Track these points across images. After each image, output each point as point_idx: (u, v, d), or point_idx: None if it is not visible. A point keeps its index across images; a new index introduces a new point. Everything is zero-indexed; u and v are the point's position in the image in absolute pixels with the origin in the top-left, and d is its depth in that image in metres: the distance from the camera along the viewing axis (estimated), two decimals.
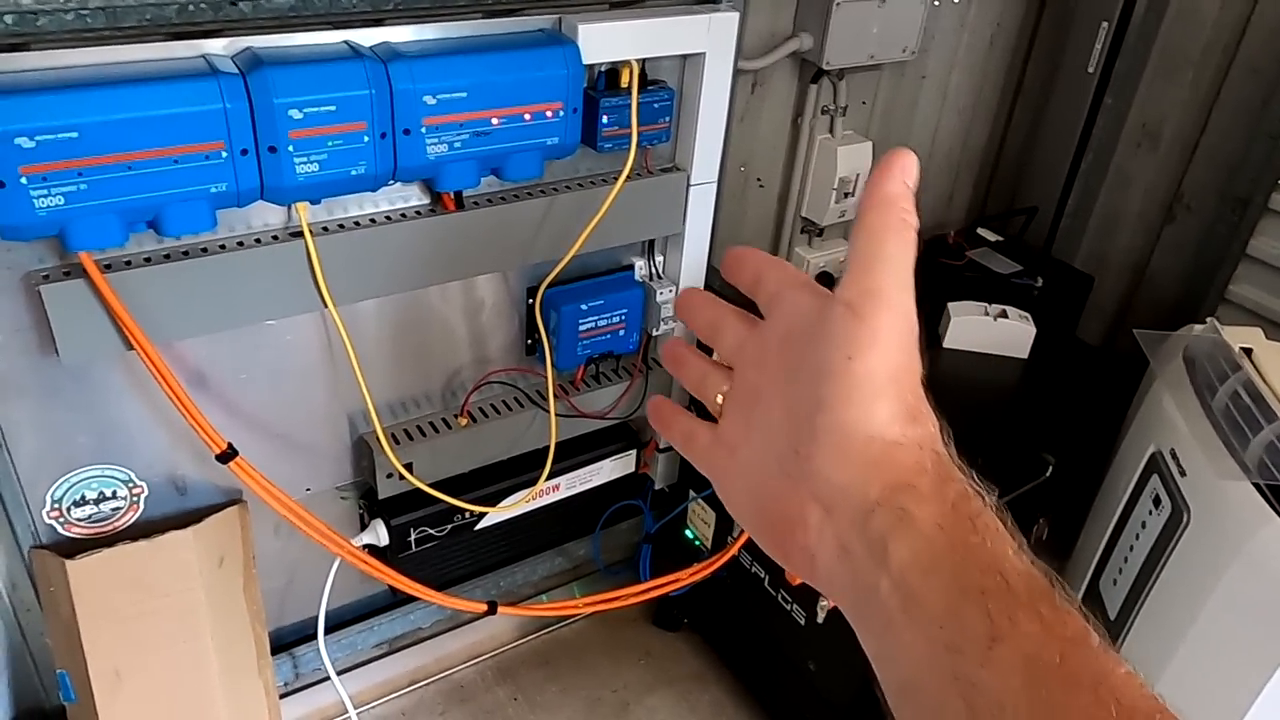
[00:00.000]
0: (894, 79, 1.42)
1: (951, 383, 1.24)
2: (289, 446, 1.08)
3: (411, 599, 1.33)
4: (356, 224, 0.97)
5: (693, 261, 1.21)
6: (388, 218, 0.98)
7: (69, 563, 0.93)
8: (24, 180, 0.73)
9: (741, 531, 1.16)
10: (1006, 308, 1.29)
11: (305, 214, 0.91)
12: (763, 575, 1.21)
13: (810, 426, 0.32)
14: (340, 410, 1.10)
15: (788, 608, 1.18)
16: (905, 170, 0.34)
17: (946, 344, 1.30)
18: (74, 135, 0.74)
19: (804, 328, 0.34)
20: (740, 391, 0.36)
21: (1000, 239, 1.50)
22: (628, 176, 1.05)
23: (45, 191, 0.75)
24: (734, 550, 1.20)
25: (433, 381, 1.17)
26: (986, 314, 1.27)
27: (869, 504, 0.31)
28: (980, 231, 1.51)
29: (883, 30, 1.27)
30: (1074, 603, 0.28)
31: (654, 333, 1.22)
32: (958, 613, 0.28)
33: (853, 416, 0.32)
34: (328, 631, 1.17)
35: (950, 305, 1.28)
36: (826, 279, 1.48)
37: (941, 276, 1.37)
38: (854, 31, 1.24)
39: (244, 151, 0.82)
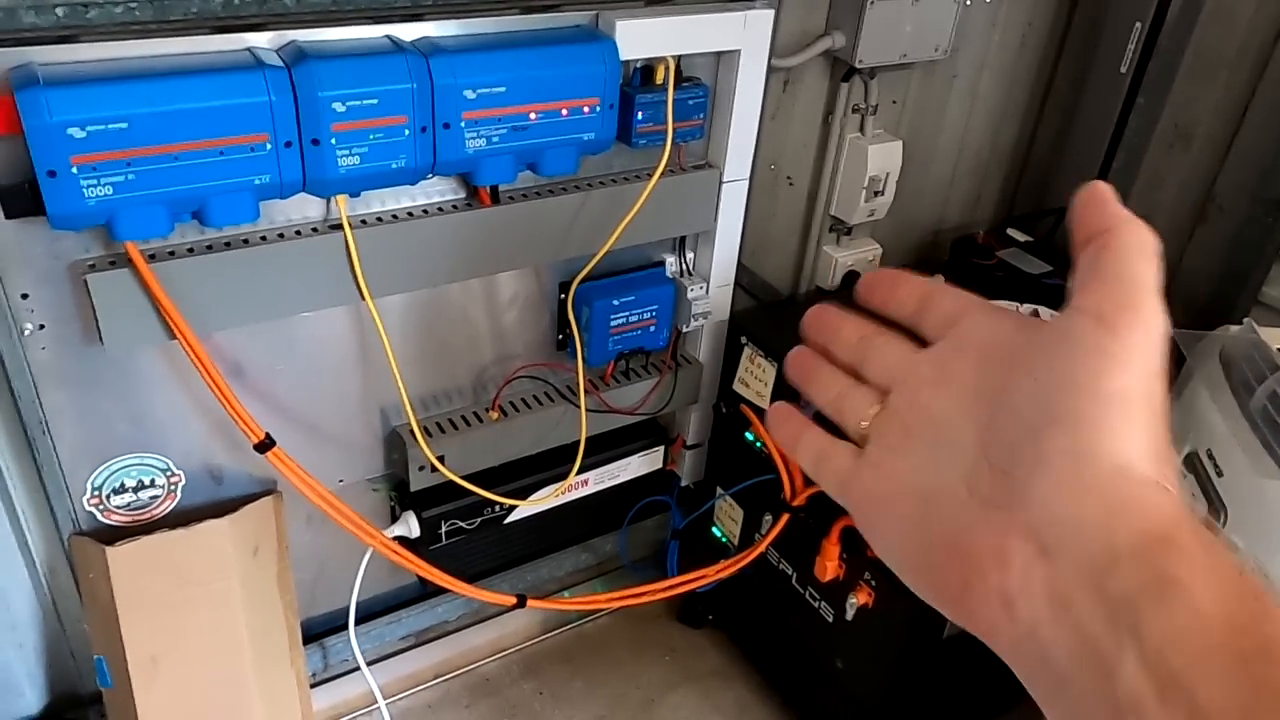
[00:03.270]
0: (925, 78, 1.41)
1: None
2: (322, 438, 1.09)
3: (438, 592, 1.34)
4: (394, 217, 0.98)
5: (723, 259, 1.22)
6: (424, 211, 0.99)
7: (109, 549, 0.94)
8: (74, 170, 0.74)
9: (770, 528, 1.16)
10: (1038, 307, 1.28)
11: (345, 207, 0.92)
12: (790, 572, 1.21)
13: (1033, 447, 0.27)
14: (373, 403, 1.11)
15: (815, 605, 1.18)
16: (1113, 194, 0.30)
17: None
18: (123, 126, 0.75)
19: (1015, 343, 0.30)
20: (904, 412, 0.32)
21: (1030, 239, 1.49)
22: (662, 173, 1.05)
23: (95, 181, 0.76)
24: (762, 548, 1.21)
25: (463, 376, 1.17)
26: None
27: (1113, 553, 0.25)
28: (1010, 232, 1.51)
29: (915, 29, 1.27)
30: None
31: (684, 329, 1.23)
32: (1254, 716, 0.22)
33: (1098, 441, 0.26)
34: (357, 623, 1.18)
35: None
36: (855, 277, 1.47)
37: (972, 276, 1.37)
38: (887, 30, 1.24)
39: (287, 144, 0.83)
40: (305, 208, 0.93)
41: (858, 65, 1.24)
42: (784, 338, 1.17)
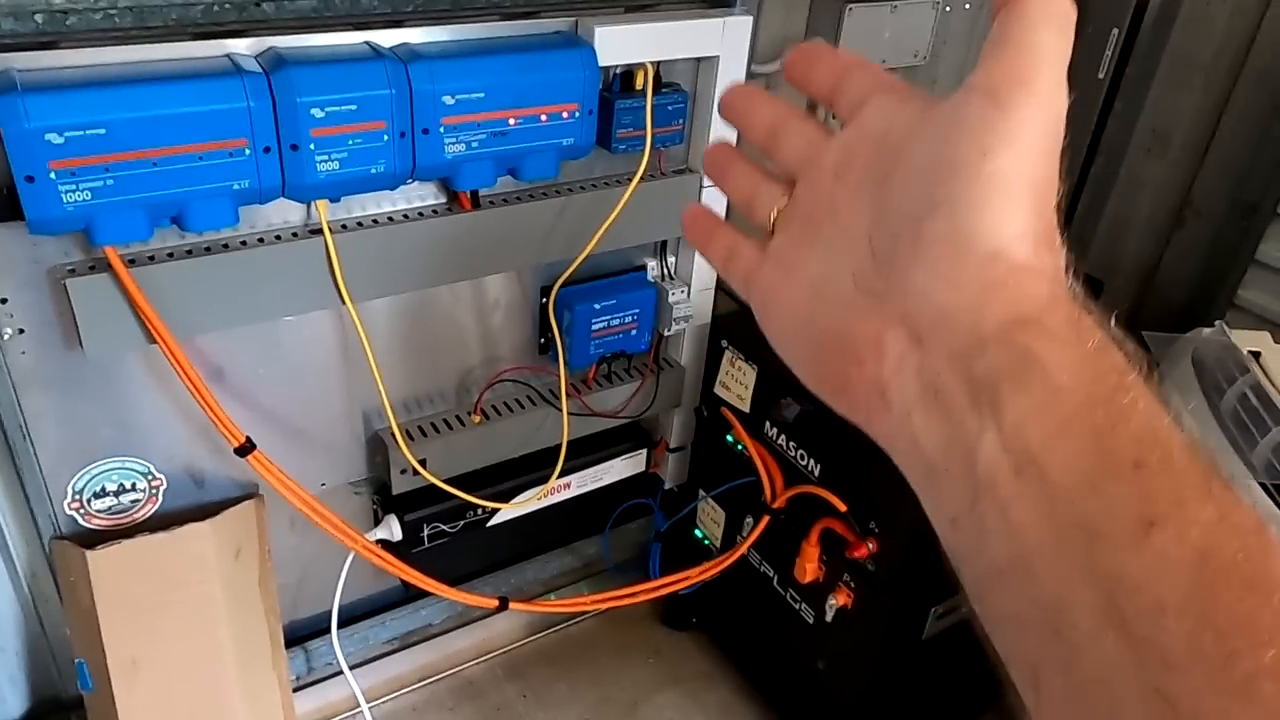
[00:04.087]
0: None
1: None
2: (304, 442, 1.09)
3: (423, 595, 1.34)
4: (375, 222, 0.98)
5: (704, 263, 1.22)
6: (405, 216, 1.00)
7: (89, 553, 0.94)
8: (53, 175, 0.75)
9: (751, 530, 1.17)
10: None
11: (325, 212, 0.93)
12: (771, 574, 1.22)
13: (913, 233, 0.26)
14: (355, 406, 1.12)
15: (796, 607, 1.18)
16: None
17: None
18: (101, 132, 0.75)
19: (908, 130, 0.28)
20: (807, 203, 0.31)
21: None
22: (641, 178, 1.06)
23: (73, 186, 0.76)
24: (743, 549, 1.21)
25: (446, 379, 1.18)
26: None
27: (979, 336, 0.25)
28: None
29: (894, 35, 1.28)
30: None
31: (666, 333, 1.24)
32: (1098, 486, 0.22)
33: (975, 222, 0.25)
34: (340, 626, 1.18)
35: None
36: None
37: None
38: (866, 36, 1.25)
39: (266, 149, 0.83)
40: (286, 212, 0.94)
41: None
42: (765, 341, 1.18)
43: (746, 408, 1.18)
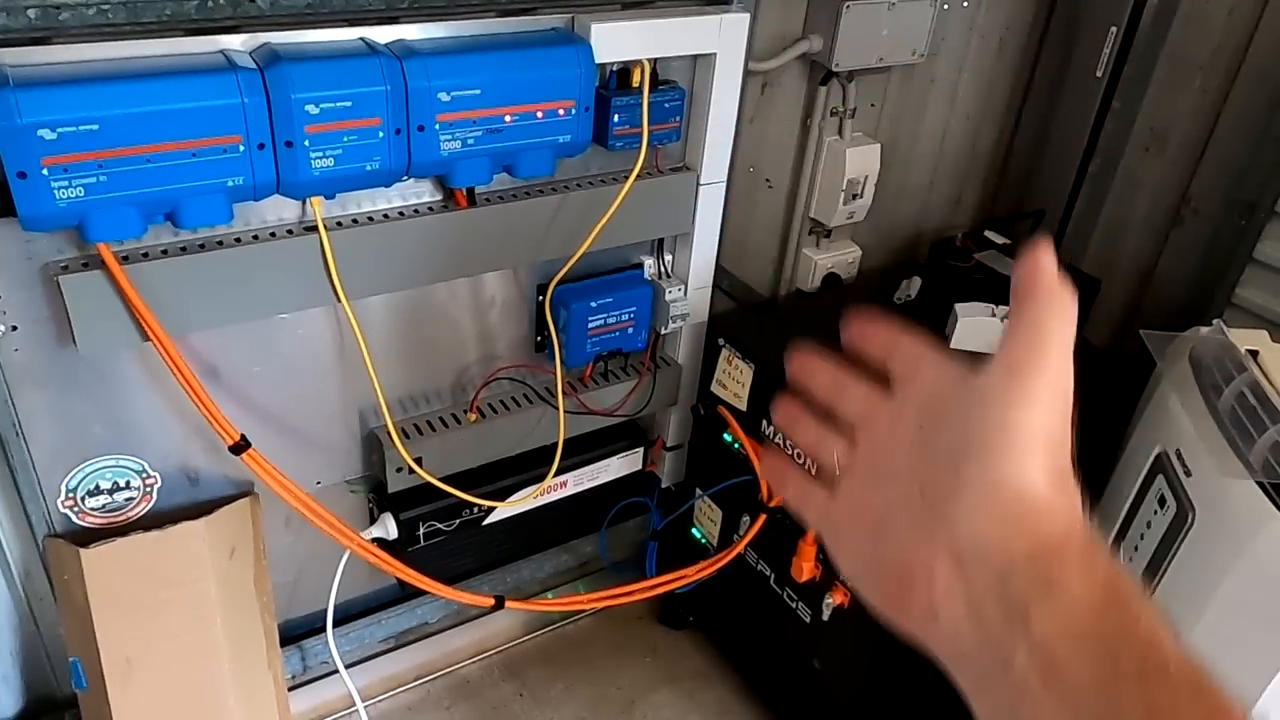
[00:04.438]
0: (903, 82, 1.42)
1: None
2: (300, 440, 1.09)
3: (419, 594, 1.34)
4: (370, 219, 0.98)
5: (701, 261, 1.22)
6: (400, 214, 0.99)
7: (83, 551, 0.94)
8: (45, 171, 0.74)
9: (748, 529, 1.17)
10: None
11: (320, 209, 0.92)
12: (768, 573, 1.22)
13: (954, 477, 0.33)
14: (351, 404, 1.11)
15: (793, 605, 1.18)
16: (1052, 259, 0.34)
17: (953, 345, 1.31)
18: (94, 128, 0.75)
19: (951, 393, 0.35)
20: (867, 453, 0.37)
21: (1008, 242, 1.50)
22: (638, 175, 1.06)
23: (66, 183, 0.76)
24: (740, 548, 1.21)
25: (443, 377, 1.18)
26: (994, 315, 1.27)
27: (1011, 564, 0.30)
28: (988, 234, 1.52)
29: (892, 33, 1.28)
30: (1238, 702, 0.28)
31: (663, 331, 1.23)
32: (1111, 692, 0.27)
33: (1003, 468, 0.32)
34: (336, 625, 1.18)
35: (957, 306, 1.28)
36: (834, 279, 1.48)
37: (949, 278, 1.38)
38: (863, 34, 1.25)
39: (261, 146, 0.83)
40: (281, 209, 0.93)
41: (835, 69, 1.25)
42: (762, 339, 1.18)
43: (743, 406, 1.18)
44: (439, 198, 1.02)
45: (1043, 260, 0.34)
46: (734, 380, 1.19)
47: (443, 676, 1.40)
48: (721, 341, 1.20)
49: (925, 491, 0.34)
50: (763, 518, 1.15)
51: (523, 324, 1.19)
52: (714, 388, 1.22)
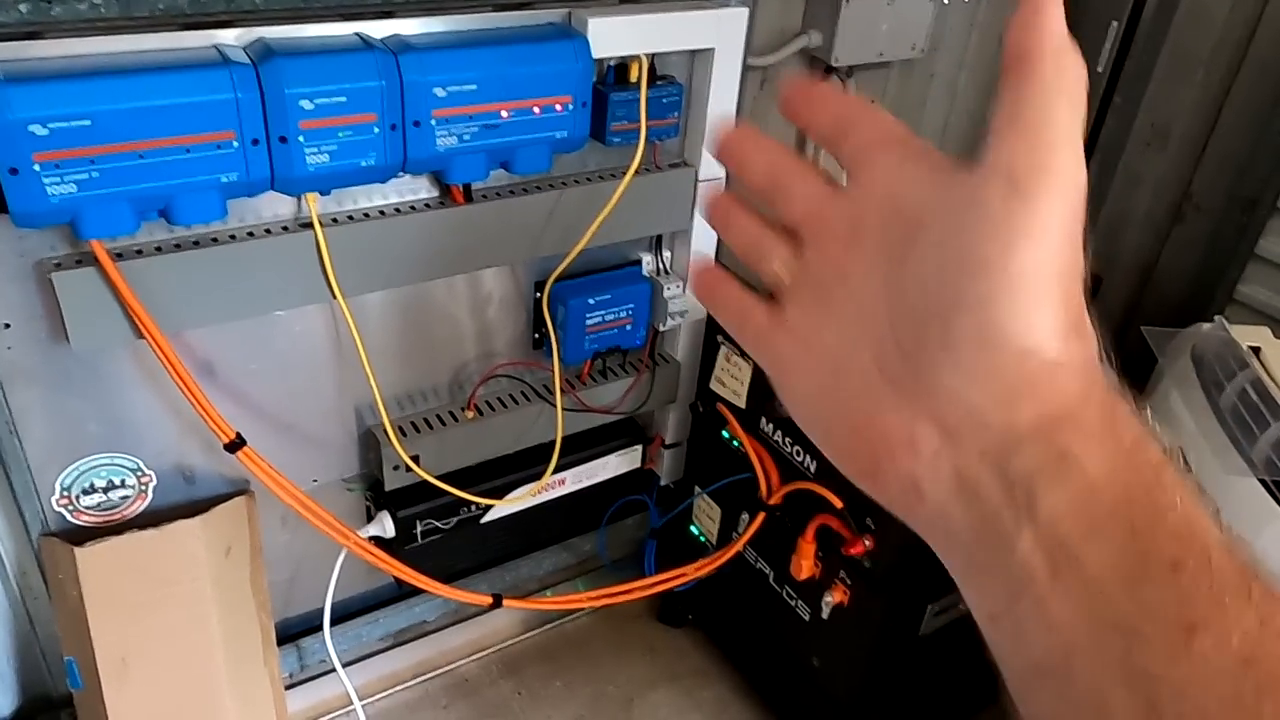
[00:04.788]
0: (903, 77, 1.42)
1: None
2: (296, 438, 1.09)
3: (416, 593, 1.33)
4: (366, 216, 0.97)
5: (700, 257, 1.21)
6: (396, 210, 0.99)
7: (78, 550, 0.93)
8: (37, 167, 0.74)
9: (747, 527, 1.16)
10: None
11: (315, 205, 0.92)
12: (768, 571, 1.21)
13: (941, 328, 0.26)
14: (348, 402, 1.11)
15: (792, 603, 1.18)
16: (1058, 13, 0.26)
17: None
18: (87, 123, 0.74)
19: (922, 201, 0.27)
20: (818, 268, 0.30)
21: None
22: (635, 171, 1.05)
23: (58, 179, 0.75)
24: (739, 546, 1.21)
25: (440, 374, 1.17)
26: None
27: (1014, 435, 0.25)
28: None
29: (892, 28, 1.27)
30: None
31: (661, 328, 1.23)
32: (1137, 587, 0.23)
33: (1004, 323, 0.25)
34: (333, 624, 1.17)
35: None
36: None
37: None
38: (863, 29, 1.24)
39: (255, 141, 0.82)
40: (275, 206, 0.93)
41: (835, 64, 1.24)
42: None
43: (742, 403, 1.17)
44: (435, 194, 1.02)
45: (1046, 15, 0.26)
46: (733, 378, 1.18)
47: (440, 675, 1.39)
48: (720, 339, 1.19)
49: (900, 336, 0.27)
50: (762, 516, 1.15)
51: (520, 321, 1.19)
52: (713, 385, 1.21)
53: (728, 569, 1.24)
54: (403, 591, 1.34)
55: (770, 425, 1.13)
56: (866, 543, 1.01)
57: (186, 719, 1.02)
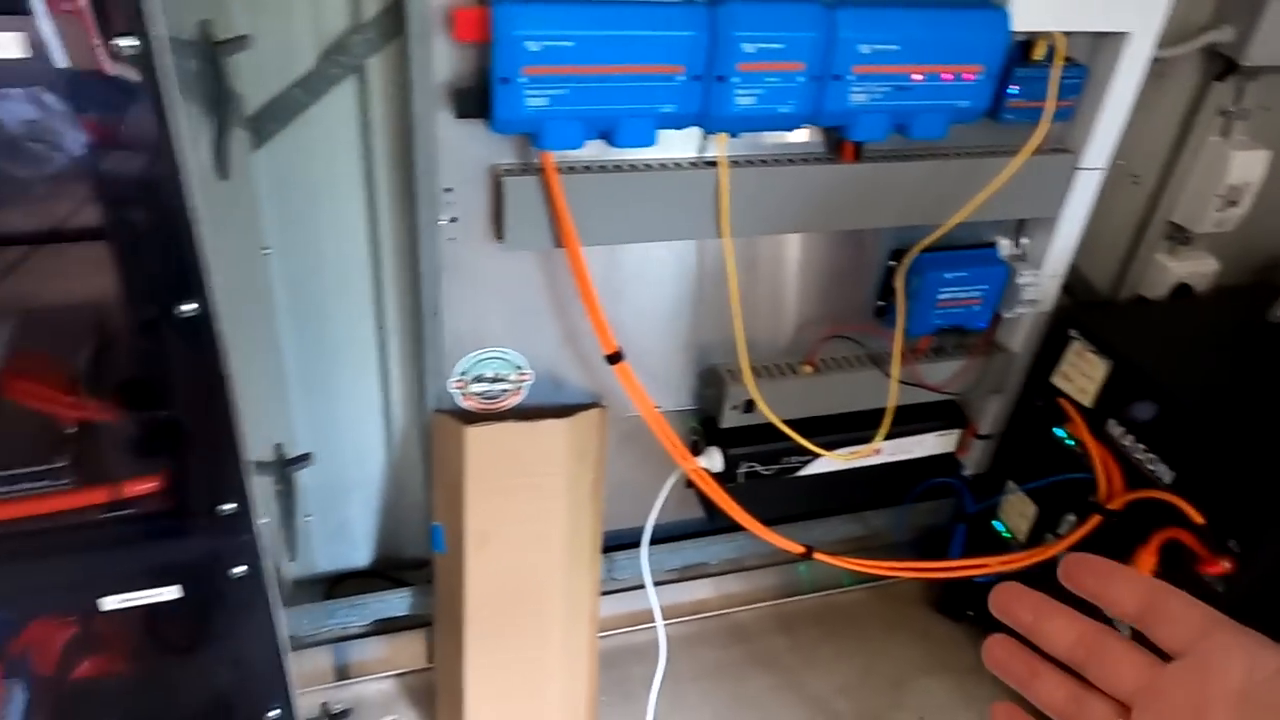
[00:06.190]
0: None
1: None
2: (645, 365, 1.15)
3: (708, 534, 1.39)
4: (763, 161, 1.02)
5: (1061, 248, 1.18)
6: (790, 160, 1.03)
7: (468, 429, 1.04)
8: (523, 79, 0.83)
9: (1074, 529, 1.13)
10: None
11: (724, 145, 0.97)
12: None
13: None
14: (695, 339, 1.17)
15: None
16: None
17: None
18: (570, 44, 0.83)
19: (1274, 696, 0.29)
20: None
21: None
22: (1032, 152, 1.03)
23: (536, 92, 0.84)
24: (1062, 547, 1.17)
25: (778, 328, 1.21)
26: None
27: None
28: None
29: None
30: None
31: (1006, 314, 1.21)
32: None
33: None
34: (632, 546, 1.23)
35: None
36: (1184, 290, 1.39)
37: None
38: None
39: (696, 77, 0.88)
40: (685, 142, 0.99)
41: (1245, 64, 1.16)
42: (1121, 336, 1.13)
43: (1089, 402, 1.13)
44: (823, 149, 1.05)
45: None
46: (1081, 374, 1.15)
47: (718, 616, 1.45)
48: (1074, 333, 1.16)
49: None
50: (1096, 519, 1.11)
51: (866, 286, 1.20)
52: (1055, 379, 1.18)
53: (1034, 570, 1.21)
54: (699, 529, 1.40)
55: (1122, 428, 1.09)
56: (1226, 564, 0.95)
57: (524, 597, 1.13)
